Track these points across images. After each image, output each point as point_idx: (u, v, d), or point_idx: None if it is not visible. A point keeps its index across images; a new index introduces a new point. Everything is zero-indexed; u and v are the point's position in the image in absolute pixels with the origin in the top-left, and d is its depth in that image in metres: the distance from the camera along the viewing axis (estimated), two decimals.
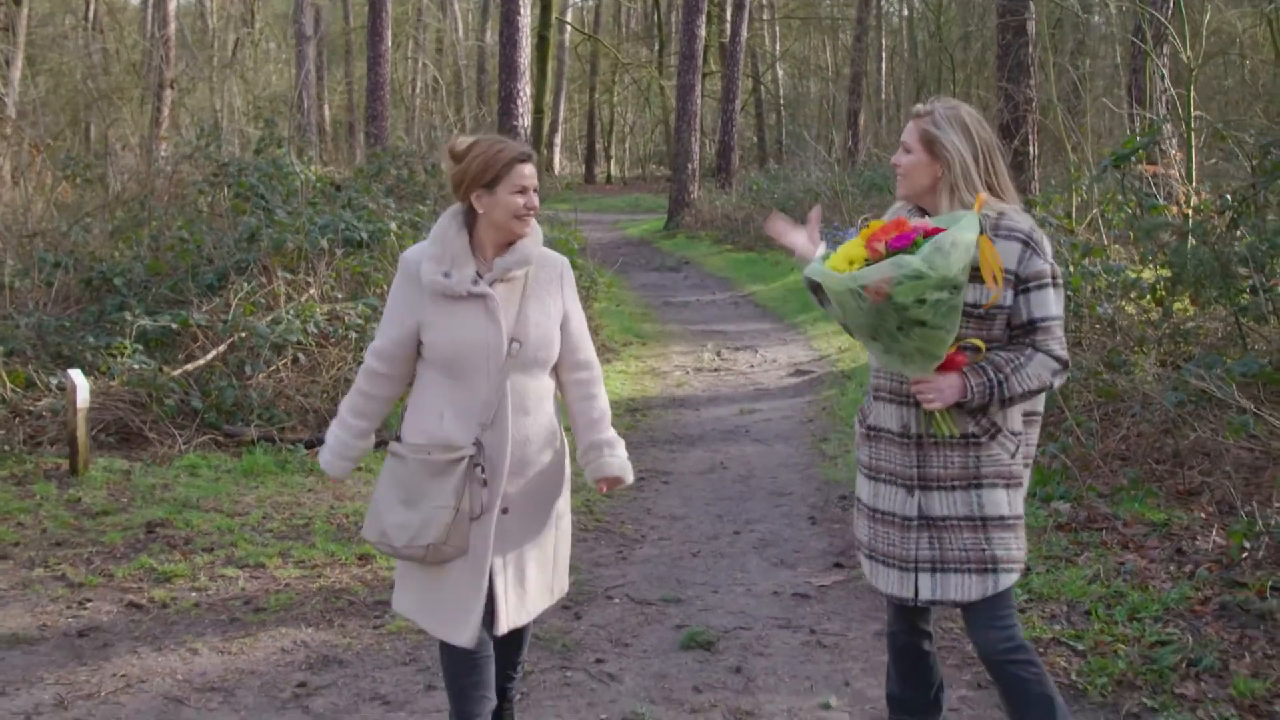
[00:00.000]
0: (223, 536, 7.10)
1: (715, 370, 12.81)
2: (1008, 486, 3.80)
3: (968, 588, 3.79)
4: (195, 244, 11.33)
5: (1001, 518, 3.78)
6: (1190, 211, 9.53)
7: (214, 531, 7.18)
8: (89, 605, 6.07)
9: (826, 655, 5.50)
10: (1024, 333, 3.75)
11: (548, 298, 4.04)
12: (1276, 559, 6.13)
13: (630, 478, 4.16)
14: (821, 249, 3.90)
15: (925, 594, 3.85)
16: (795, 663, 5.42)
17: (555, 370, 4.12)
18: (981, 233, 3.59)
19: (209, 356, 9.69)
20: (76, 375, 8.43)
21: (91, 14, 36.38)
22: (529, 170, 3.92)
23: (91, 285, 11.40)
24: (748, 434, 10.00)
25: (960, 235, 3.48)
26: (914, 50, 34.93)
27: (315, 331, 9.97)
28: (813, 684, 5.19)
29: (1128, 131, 14.25)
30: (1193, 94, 12.01)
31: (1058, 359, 3.74)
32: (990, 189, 3.76)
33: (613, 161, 55.31)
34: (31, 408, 9.30)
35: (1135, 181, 10.39)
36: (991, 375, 3.67)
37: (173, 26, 28.73)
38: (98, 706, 4.95)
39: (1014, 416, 3.84)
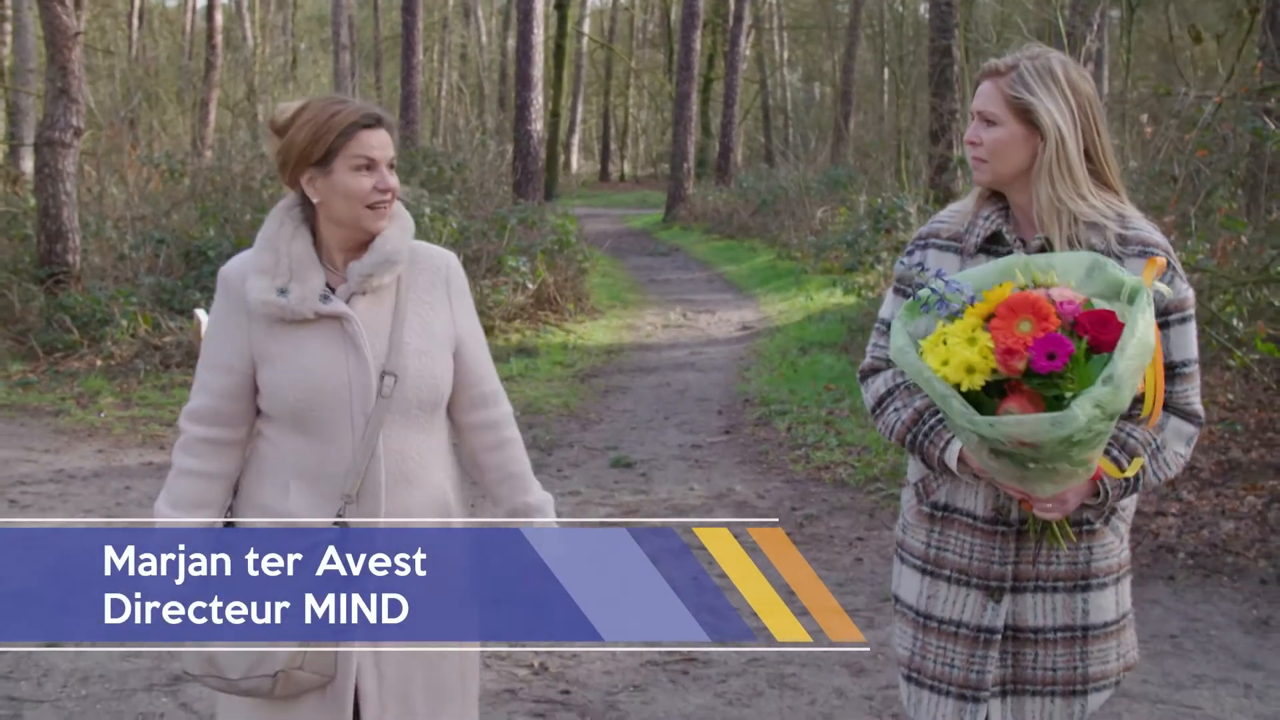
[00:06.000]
0: None
1: (679, 326, 16.10)
2: (1118, 581, 2.91)
3: (1048, 716, 2.91)
4: None
5: (1106, 625, 2.89)
6: None
7: None
8: None
9: (700, 470, 8.80)
10: None
11: (430, 312, 3.01)
12: None
13: None
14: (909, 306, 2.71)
15: None
16: (680, 472, 8.72)
17: (450, 413, 3.10)
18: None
19: None
20: (201, 313, 11.73)
21: (135, 17, 39.73)
22: (377, 139, 2.88)
23: (189, 257, 14.77)
24: (693, 366, 13.27)
25: (1140, 344, 2.47)
26: (888, 61, 38.11)
27: None
28: (687, 481, 8.48)
29: None
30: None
31: (1194, 419, 2.83)
32: (1095, 173, 2.81)
33: (626, 161, 58.65)
34: (159, 343, 12.64)
35: None
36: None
37: (219, 38, 32.09)
38: None
39: None
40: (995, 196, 2.91)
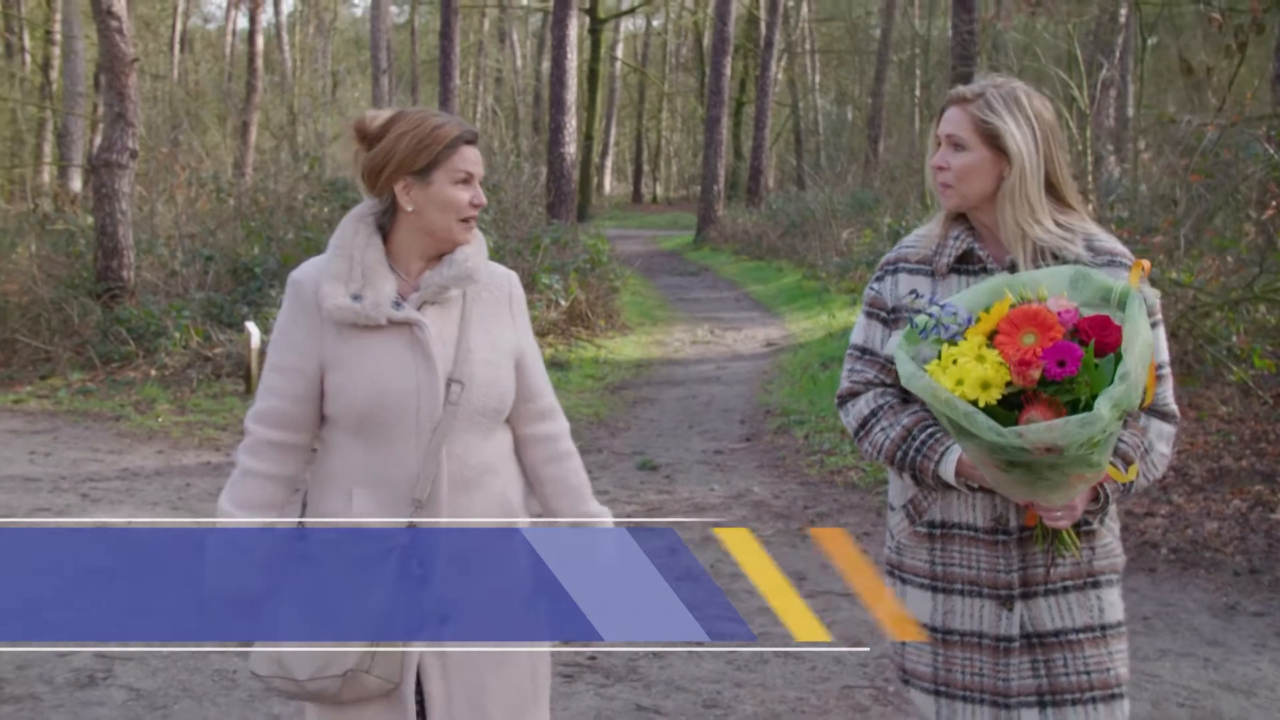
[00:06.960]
0: None
1: (706, 343, 16.72)
2: (1118, 582, 3.00)
3: None
4: (317, 242, 15.34)
5: (1119, 624, 2.96)
6: None
7: None
8: None
9: (721, 472, 9.39)
10: None
11: (495, 326, 3.07)
12: None
13: None
14: (903, 333, 2.78)
15: None
16: (702, 474, 9.31)
17: (510, 425, 3.14)
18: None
19: None
20: (251, 326, 12.41)
21: (178, 41, 40.70)
22: (475, 154, 2.98)
23: (236, 273, 15.48)
24: (718, 380, 13.87)
25: (1141, 345, 2.55)
26: (917, 86, 38.69)
27: None
28: (708, 482, 9.07)
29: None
30: (1088, 137, 15.78)
31: (1172, 418, 2.96)
32: (1053, 193, 2.92)
33: (658, 183, 59.41)
34: (210, 354, 13.32)
35: None
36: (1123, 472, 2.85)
37: (260, 62, 32.97)
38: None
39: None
40: (960, 218, 2.99)
